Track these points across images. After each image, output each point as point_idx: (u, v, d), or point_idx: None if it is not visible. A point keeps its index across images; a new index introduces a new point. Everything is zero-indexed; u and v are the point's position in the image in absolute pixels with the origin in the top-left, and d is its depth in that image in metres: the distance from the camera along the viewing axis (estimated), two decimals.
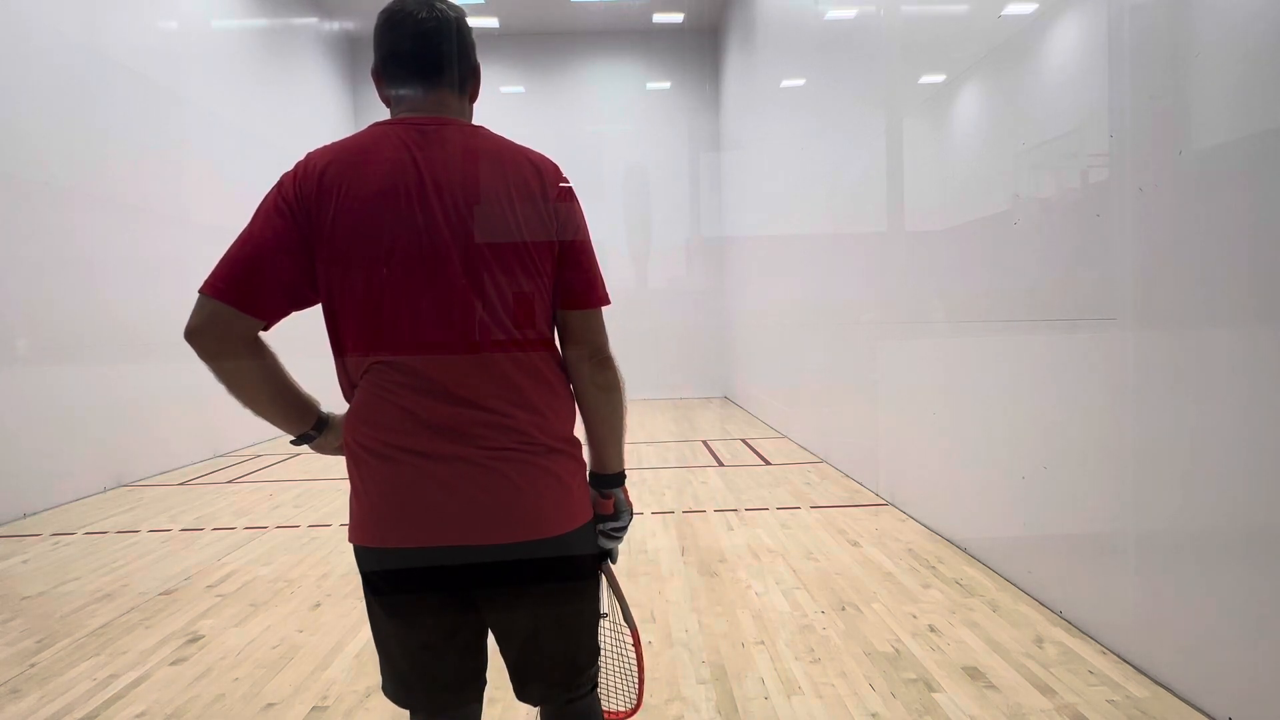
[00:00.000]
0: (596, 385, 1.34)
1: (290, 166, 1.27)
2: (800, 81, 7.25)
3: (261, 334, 1.24)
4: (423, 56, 1.27)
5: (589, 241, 1.35)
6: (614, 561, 1.45)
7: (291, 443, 1.35)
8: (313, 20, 11.21)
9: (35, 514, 5.33)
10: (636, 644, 1.49)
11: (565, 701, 1.36)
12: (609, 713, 1.53)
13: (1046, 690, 2.43)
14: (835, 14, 6.14)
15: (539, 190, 1.27)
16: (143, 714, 2.45)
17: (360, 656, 2.83)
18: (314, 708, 2.46)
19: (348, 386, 1.28)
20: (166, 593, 3.61)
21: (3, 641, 3.07)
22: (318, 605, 3.38)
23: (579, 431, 1.37)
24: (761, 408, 9.54)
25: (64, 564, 4.13)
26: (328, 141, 1.28)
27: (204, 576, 3.83)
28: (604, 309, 1.37)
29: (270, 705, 2.48)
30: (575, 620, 1.35)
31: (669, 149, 12.64)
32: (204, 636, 3.06)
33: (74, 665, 2.82)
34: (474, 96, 1.36)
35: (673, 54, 12.69)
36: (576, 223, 1.32)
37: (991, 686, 2.47)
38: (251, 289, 1.18)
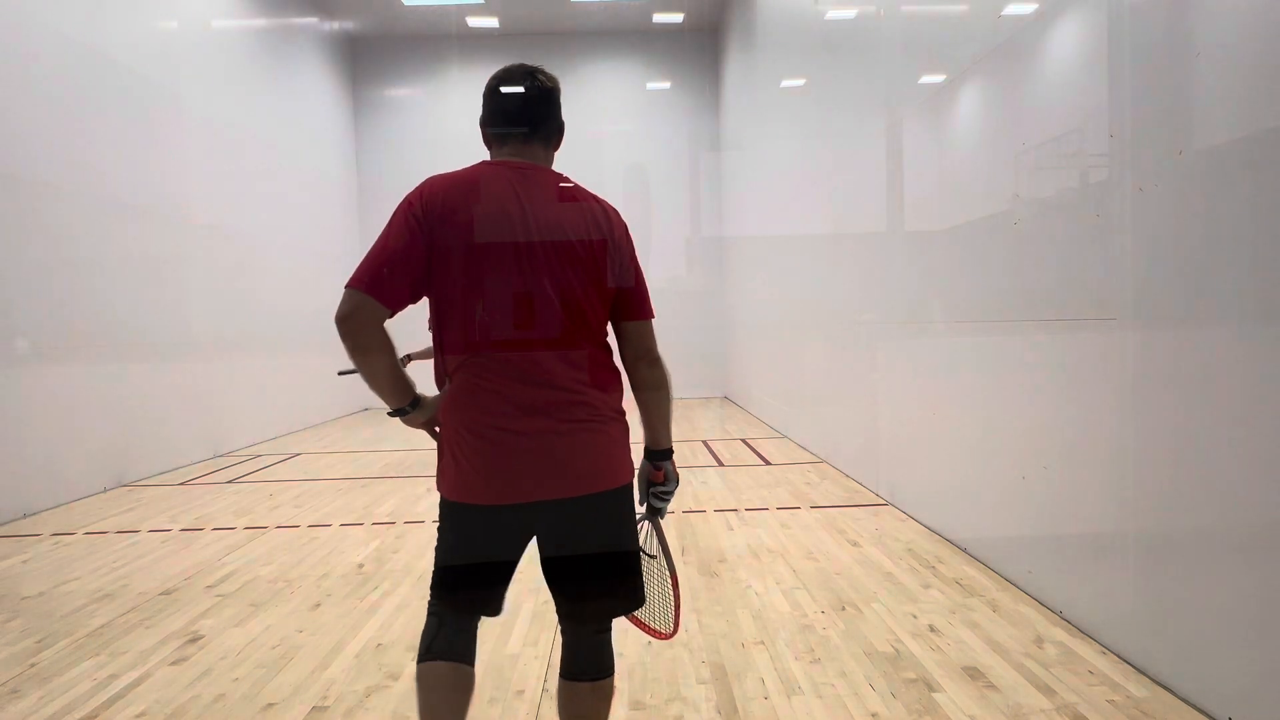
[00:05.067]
0: (650, 383, 1.72)
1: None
2: (800, 81, 7.25)
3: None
4: (523, 117, 1.63)
5: (640, 268, 1.70)
6: (663, 518, 1.83)
7: (388, 414, 1.66)
8: (313, 20, 11.20)
9: (35, 514, 5.33)
10: (674, 584, 1.85)
11: (594, 632, 1.68)
12: (651, 629, 1.87)
13: (1046, 690, 2.43)
14: (835, 14, 6.14)
15: (608, 229, 1.63)
16: (143, 714, 2.44)
17: (360, 656, 2.83)
18: (314, 708, 2.46)
19: (442, 375, 1.61)
20: (166, 593, 3.61)
21: (3, 641, 3.07)
22: (318, 605, 3.38)
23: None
24: (761, 408, 9.55)
25: (64, 564, 4.13)
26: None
27: (204, 576, 3.83)
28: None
29: (270, 705, 2.48)
30: (616, 550, 1.66)
31: (669, 149, 12.64)
32: (204, 636, 3.06)
33: (74, 665, 2.82)
34: (557, 146, 1.72)
35: (673, 54, 12.69)
36: (633, 254, 1.69)
37: (991, 686, 2.47)
38: (387, 285, 1.49)
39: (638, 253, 1.69)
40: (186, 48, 7.95)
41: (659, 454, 1.77)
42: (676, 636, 2.91)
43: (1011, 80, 3.47)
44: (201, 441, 7.65)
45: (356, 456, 7.59)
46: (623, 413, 1.68)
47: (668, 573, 1.86)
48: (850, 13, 5.79)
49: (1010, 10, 3.46)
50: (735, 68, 10.97)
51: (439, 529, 1.67)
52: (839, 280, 6.07)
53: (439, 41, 12.49)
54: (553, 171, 1.66)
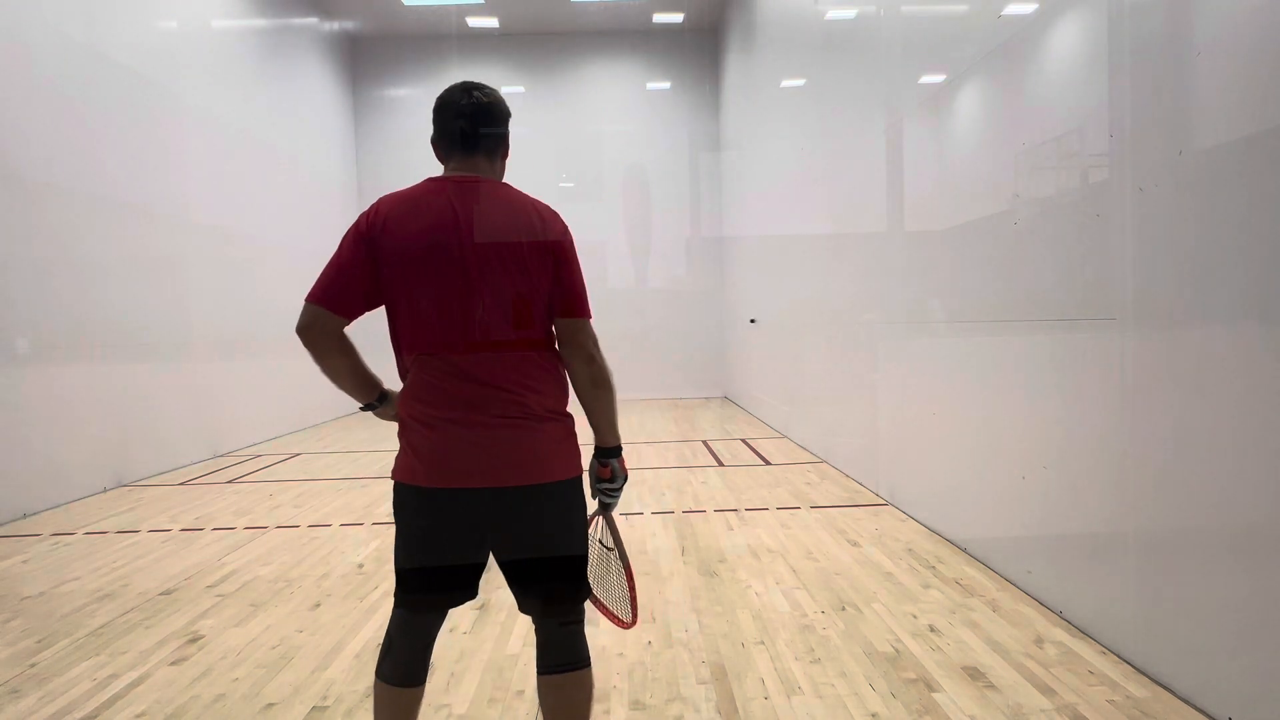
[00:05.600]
0: (587, 380, 1.77)
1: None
2: (800, 81, 7.25)
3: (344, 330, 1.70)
4: (463, 134, 1.72)
5: (578, 268, 1.78)
6: (611, 511, 1.90)
7: (359, 409, 1.82)
8: (313, 20, 11.20)
9: (35, 514, 5.33)
10: (629, 576, 1.91)
11: (558, 625, 1.75)
12: (615, 617, 1.93)
13: (1046, 690, 2.43)
14: (835, 14, 6.14)
15: (541, 232, 1.71)
16: (143, 714, 2.45)
17: (360, 656, 2.83)
18: (314, 708, 2.46)
19: (402, 371, 1.74)
20: (166, 593, 3.61)
21: (3, 641, 3.07)
22: (318, 605, 3.38)
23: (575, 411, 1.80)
24: (761, 408, 9.55)
25: (64, 564, 4.13)
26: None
27: (204, 576, 3.83)
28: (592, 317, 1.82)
29: (270, 705, 2.48)
30: (558, 543, 1.74)
31: (669, 149, 12.63)
32: (204, 636, 3.06)
33: (74, 665, 2.82)
34: (504, 157, 1.82)
35: (673, 54, 12.68)
36: (569, 256, 1.75)
37: (991, 686, 2.47)
38: (340, 296, 1.65)
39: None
40: (186, 48, 7.95)
41: (605, 452, 1.83)
42: (676, 636, 2.93)
43: (1011, 80, 3.47)
44: (201, 441, 7.65)
45: (356, 456, 7.59)
46: (564, 414, 1.75)
47: (622, 566, 1.93)
48: (850, 13, 5.79)
49: (1010, 10, 3.46)
50: (735, 68, 10.97)
51: (395, 525, 1.76)
52: (839, 280, 6.07)
53: (439, 41, 12.48)
54: (493, 182, 1.75)
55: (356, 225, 1.68)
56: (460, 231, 1.65)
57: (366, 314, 1.72)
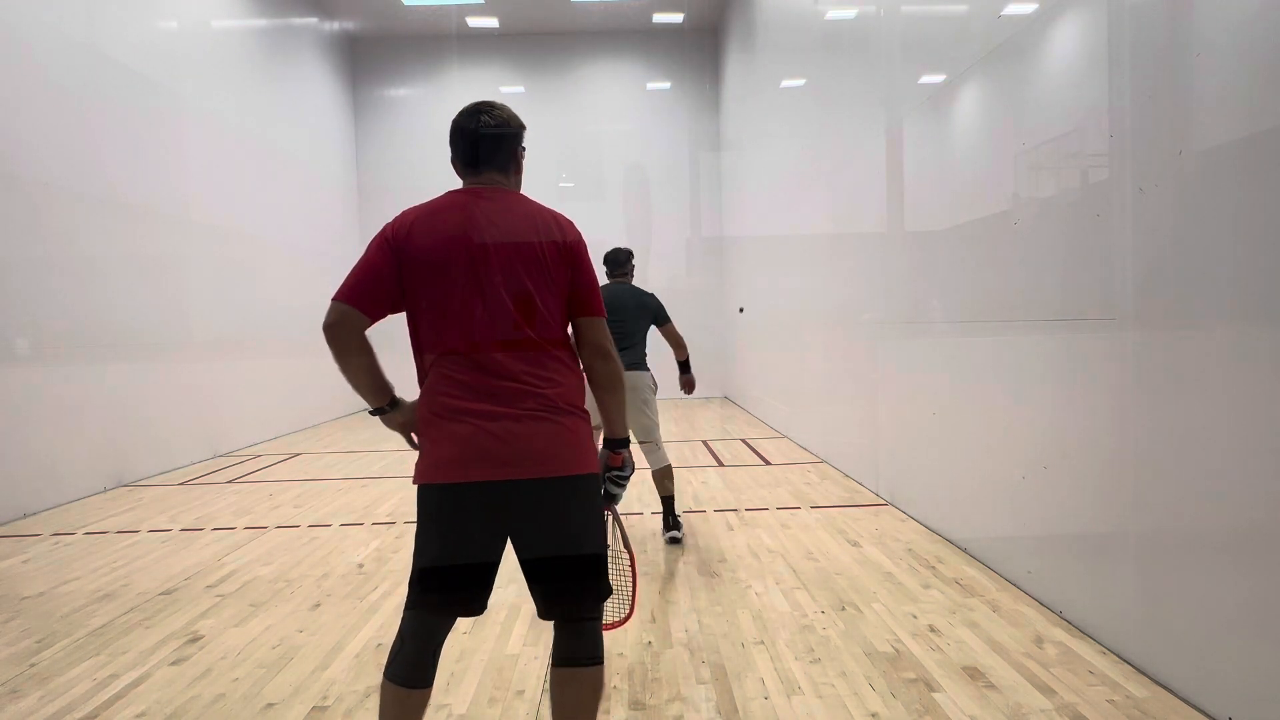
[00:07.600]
0: (603, 374, 1.87)
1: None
2: (800, 81, 7.25)
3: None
4: (479, 153, 1.84)
5: (594, 271, 1.90)
6: (616, 503, 2.00)
7: (369, 413, 1.86)
8: (313, 20, 11.20)
9: (35, 514, 5.33)
10: (633, 565, 1.98)
11: (576, 619, 1.79)
12: (604, 624, 1.91)
13: (1046, 690, 2.43)
14: (835, 14, 6.14)
15: (560, 238, 1.82)
16: (143, 714, 2.45)
17: (360, 656, 2.83)
18: (314, 708, 2.46)
19: (422, 372, 1.79)
20: (166, 593, 3.61)
21: (3, 641, 3.07)
22: (318, 605, 3.38)
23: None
24: (761, 408, 9.54)
25: (64, 564, 4.13)
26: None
27: (204, 576, 3.83)
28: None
29: (270, 705, 2.48)
30: (581, 536, 1.77)
31: (669, 149, 12.62)
32: (204, 636, 3.06)
33: (74, 665, 2.82)
34: (518, 170, 1.93)
35: (673, 54, 12.68)
36: (586, 260, 1.87)
37: (991, 686, 2.47)
38: (367, 297, 1.73)
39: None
40: (187, 48, 7.95)
41: (617, 442, 1.94)
42: (676, 636, 2.93)
43: (1011, 80, 3.47)
44: (201, 441, 7.64)
45: (356, 456, 7.59)
46: (583, 410, 1.82)
47: (626, 560, 1.99)
48: (850, 13, 5.79)
49: (1010, 10, 3.46)
50: (735, 68, 10.96)
51: (416, 528, 1.79)
52: (839, 280, 6.07)
53: (439, 41, 12.49)
54: (508, 191, 1.86)
55: (383, 233, 1.76)
56: (482, 236, 1.74)
57: (379, 320, 1.79)
